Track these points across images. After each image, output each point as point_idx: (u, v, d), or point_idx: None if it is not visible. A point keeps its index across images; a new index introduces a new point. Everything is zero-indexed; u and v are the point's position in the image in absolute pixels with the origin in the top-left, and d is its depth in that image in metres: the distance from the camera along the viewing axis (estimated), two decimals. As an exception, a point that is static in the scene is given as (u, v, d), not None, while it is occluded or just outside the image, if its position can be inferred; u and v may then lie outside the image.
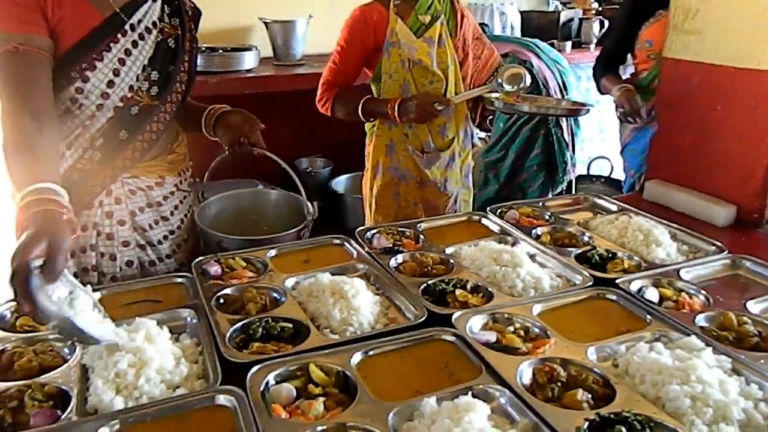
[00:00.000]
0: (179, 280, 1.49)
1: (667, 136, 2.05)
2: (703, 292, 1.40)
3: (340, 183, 4.10)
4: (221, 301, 1.39)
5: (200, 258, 1.56)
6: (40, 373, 1.13)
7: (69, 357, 1.18)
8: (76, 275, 1.54)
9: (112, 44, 1.48)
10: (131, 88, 1.53)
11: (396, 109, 2.10)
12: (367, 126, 2.35)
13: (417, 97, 2.10)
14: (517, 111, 2.41)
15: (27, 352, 1.17)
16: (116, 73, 1.50)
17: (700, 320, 1.28)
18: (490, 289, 1.42)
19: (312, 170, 4.16)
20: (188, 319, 1.32)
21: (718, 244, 1.62)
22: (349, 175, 4.16)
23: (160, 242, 1.69)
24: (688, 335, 1.21)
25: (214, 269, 1.51)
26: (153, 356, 1.12)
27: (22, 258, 1.00)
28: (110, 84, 1.50)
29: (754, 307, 1.34)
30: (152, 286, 1.48)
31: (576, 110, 2.51)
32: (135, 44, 1.52)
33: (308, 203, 1.78)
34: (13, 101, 1.34)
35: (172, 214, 1.71)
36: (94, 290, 1.19)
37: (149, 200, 1.65)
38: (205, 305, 1.34)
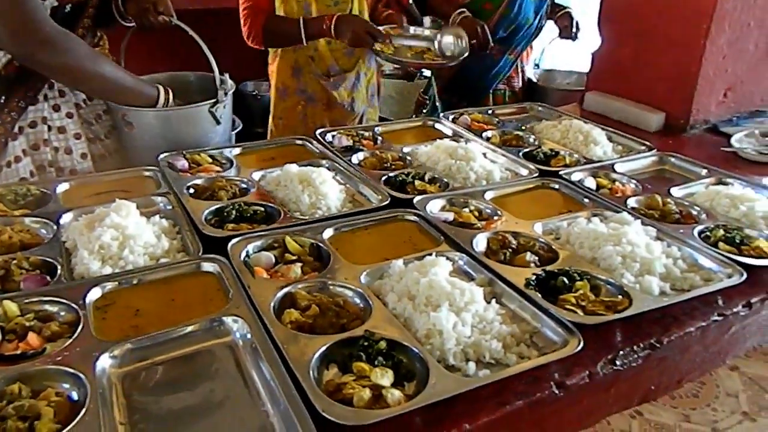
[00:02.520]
0: (147, 173, 1.53)
1: (607, 49, 2.19)
2: (634, 181, 1.57)
3: (287, 106, 4.09)
4: (192, 190, 1.44)
5: (165, 153, 1.59)
6: (22, 248, 1.17)
7: (48, 236, 1.22)
8: (32, 174, 1.55)
9: None
10: None
11: (333, 28, 2.03)
12: None
13: (354, 22, 2.04)
14: (401, 63, 2.32)
15: (4, 231, 1.20)
16: None
17: (631, 202, 1.45)
18: (446, 180, 1.53)
19: (258, 93, 4.11)
20: (162, 204, 1.38)
21: (648, 144, 1.79)
22: (296, 98, 4.15)
23: (106, 137, 1.70)
24: (620, 212, 1.37)
25: (181, 163, 1.56)
26: (135, 231, 1.17)
27: None
28: None
29: (677, 192, 1.51)
30: (121, 177, 1.51)
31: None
32: None
33: (221, 76, 1.70)
34: None
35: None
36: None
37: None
38: (177, 192, 1.39)
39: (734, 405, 1.81)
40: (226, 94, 1.70)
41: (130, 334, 0.95)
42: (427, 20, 2.67)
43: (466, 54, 2.13)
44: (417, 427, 0.84)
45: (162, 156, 1.57)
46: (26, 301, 1.00)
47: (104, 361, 0.89)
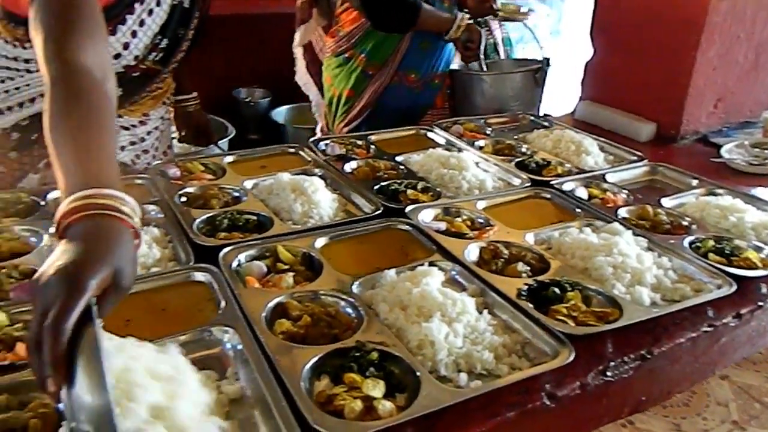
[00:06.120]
0: (139, 181, 1.52)
1: (599, 59, 2.21)
2: (625, 191, 1.58)
3: (280, 114, 4.08)
4: (183, 198, 1.44)
5: (156, 162, 1.59)
6: (11, 257, 1.16)
7: (37, 244, 1.21)
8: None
9: (127, 15, 1.42)
10: (136, 57, 1.48)
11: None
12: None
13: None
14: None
15: (-6, 239, 1.19)
16: (126, 46, 1.44)
17: (622, 212, 1.45)
18: (438, 190, 1.54)
19: (251, 100, 4.11)
20: (153, 213, 1.37)
21: (639, 154, 1.80)
22: (290, 105, 4.15)
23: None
24: (611, 222, 1.37)
25: (173, 171, 1.55)
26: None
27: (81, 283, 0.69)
28: (117, 56, 1.44)
29: (667, 202, 1.52)
30: (112, 185, 1.50)
31: None
32: (150, 12, 1.46)
33: None
34: None
35: (153, 146, 1.70)
36: None
37: (132, 138, 1.64)
38: (168, 201, 1.39)
39: (725, 414, 1.82)
40: None
41: (119, 344, 0.95)
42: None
43: None
44: (408, 439, 0.84)
45: (154, 164, 1.56)
46: (15, 310, 0.99)
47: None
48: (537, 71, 2.16)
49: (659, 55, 2.01)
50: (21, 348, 0.91)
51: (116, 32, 1.41)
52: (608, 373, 0.99)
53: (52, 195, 1.40)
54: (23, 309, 0.99)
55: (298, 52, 2.44)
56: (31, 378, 0.84)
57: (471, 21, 2.13)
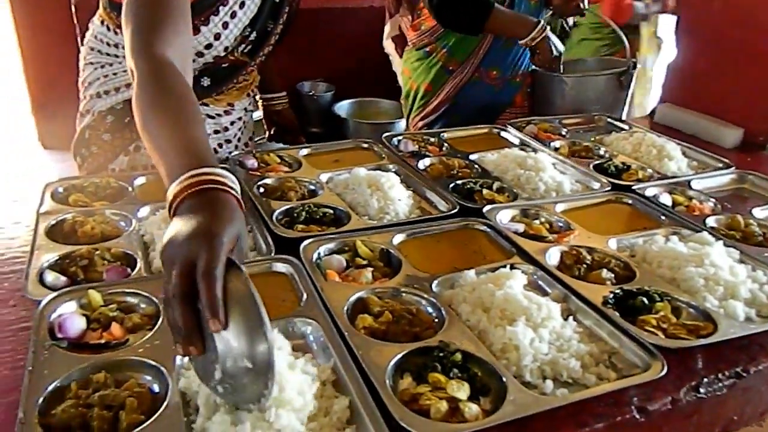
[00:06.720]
0: (218, 170, 1.55)
1: (683, 61, 2.12)
2: (712, 199, 1.50)
3: (342, 107, 4.11)
4: (261, 189, 1.46)
5: (235, 152, 1.62)
6: (102, 240, 1.20)
7: (126, 228, 1.25)
8: None
9: (221, 6, 1.45)
10: (226, 48, 1.52)
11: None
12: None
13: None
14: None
15: (87, 222, 1.24)
16: (217, 37, 1.48)
17: (711, 221, 1.39)
18: (515, 191, 1.51)
19: (314, 94, 4.15)
20: (233, 203, 1.39)
21: (726, 161, 1.72)
22: (353, 99, 4.18)
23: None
24: (700, 232, 1.31)
25: (251, 162, 1.58)
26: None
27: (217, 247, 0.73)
28: (208, 47, 1.49)
29: (759, 213, 1.44)
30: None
31: None
32: (242, 5, 1.49)
33: None
34: None
35: (236, 137, 1.74)
36: None
37: (216, 127, 1.68)
38: (248, 191, 1.41)
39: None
40: None
41: (207, 330, 0.97)
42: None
43: None
44: (493, 444, 0.82)
45: (234, 154, 1.60)
46: (109, 291, 1.02)
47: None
48: (622, 74, 2.07)
49: (749, 57, 1.91)
50: (116, 328, 0.95)
51: (209, 23, 1.45)
52: (701, 390, 0.94)
53: (138, 181, 1.45)
54: (116, 291, 1.03)
55: (388, 45, 2.42)
56: (126, 357, 0.88)
57: (548, 33, 1.99)
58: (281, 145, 1.82)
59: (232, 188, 0.84)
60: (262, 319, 0.71)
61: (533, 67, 2.16)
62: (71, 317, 0.96)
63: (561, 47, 2.04)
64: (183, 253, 0.72)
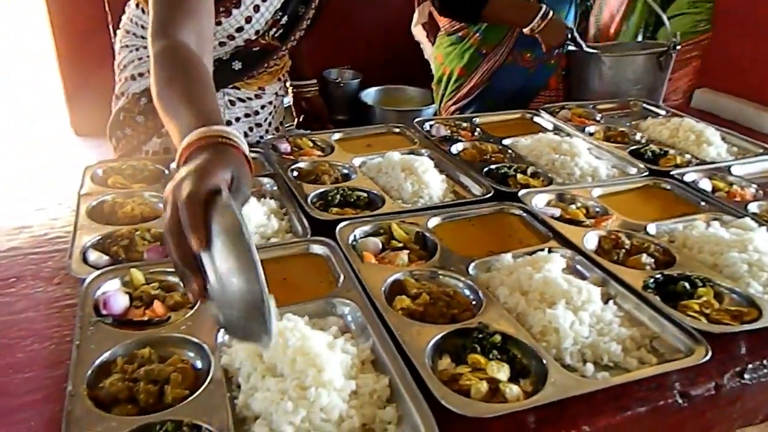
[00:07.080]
0: (253, 154, 1.56)
1: (721, 44, 2.06)
2: (754, 185, 1.47)
3: (369, 95, 4.11)
4: (295, 173, 1.47)
5: (269, 137, 1.63)
6: (142, 220, 1.22)
7: (165, 210, 1.27)
8: None
9: None
10: (257, 32, 1.52)
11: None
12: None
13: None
14: None
15: (127, 203, 1.26)
16: (248, 20, 1.48)
17: (753, 207, 1.35)
18: (549, 175, 1.49)
19: (341, 81, 4.15)
20: (268, 186, 1.41)
21: (767, 146, 1.67)
22: (379, 87, 4.17)
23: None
24: (742, 217, 1.28)
25: (284, 146, 1.59)
26: (247, 210, 1.20)
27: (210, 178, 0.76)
28: (239, 30, 1.49)
29: (803, 200, 1.41)
30: (228, 158, 1.55)
31: None
32: None
33: None
34: None
35: (266, 121, 1.74)
36: None
37: (247, 111, 1.69)
38: (282, 174, 1.42)
39: None
40: None
41: (246, 309, 0.98)
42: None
43: None
44: (533, 425, 0.82)
45: (267, 138, 1.61)
46: (151, 270, 1.04)
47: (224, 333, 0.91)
48: (662, 54, 2.01)
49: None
50: (158, 305, 0.96)
51: (240, 5, 1.45)
52: (746, 376, 0.93)
53: (174, 165, 1.46)
54: (157, 270, 1.05)
55: (417, 31, 2.40)
56: (169, 334, 0.90)
57: (556, 19, 1.95)
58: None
59: (239, 145, 0.87)
60: (250, 250, 0.70)
61: (570, 47, 2.10)
62: (115, 295, 0.98)
63: (570, 25, 2.00)
64: (175, 192, 0.75)
